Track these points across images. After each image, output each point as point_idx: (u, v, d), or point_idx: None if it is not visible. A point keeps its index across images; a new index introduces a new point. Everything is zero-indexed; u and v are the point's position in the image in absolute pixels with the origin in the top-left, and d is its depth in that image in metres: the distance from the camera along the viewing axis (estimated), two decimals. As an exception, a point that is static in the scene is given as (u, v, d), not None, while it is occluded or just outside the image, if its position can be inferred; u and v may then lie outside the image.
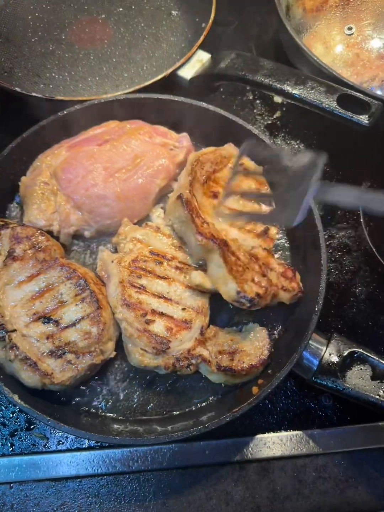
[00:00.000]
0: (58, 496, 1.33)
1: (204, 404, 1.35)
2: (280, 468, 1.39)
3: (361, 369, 1.30)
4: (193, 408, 1.34)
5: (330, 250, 1.67)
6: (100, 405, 1.33)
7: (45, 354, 1.24)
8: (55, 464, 1.35)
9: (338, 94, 1.47)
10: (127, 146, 1.51)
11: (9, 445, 1.37)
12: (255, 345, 1.32)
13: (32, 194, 1.46)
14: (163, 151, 1.54)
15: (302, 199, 1.00)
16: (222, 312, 1.42)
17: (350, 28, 1.87)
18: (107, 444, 1.37)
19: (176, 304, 1.32)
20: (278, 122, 1.92)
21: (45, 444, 1.38)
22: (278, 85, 1.52)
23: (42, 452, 1.37)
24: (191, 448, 1.38)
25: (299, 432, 1.42)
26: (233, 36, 2.13)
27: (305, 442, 1.41)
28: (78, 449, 1.37)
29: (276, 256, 1.50)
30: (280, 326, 1.44)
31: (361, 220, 1.63)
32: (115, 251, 1.45)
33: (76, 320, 1.28)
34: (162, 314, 1.30)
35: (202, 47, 1.72)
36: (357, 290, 1.62)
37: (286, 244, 1.55)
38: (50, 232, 1.44)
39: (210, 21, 1.76)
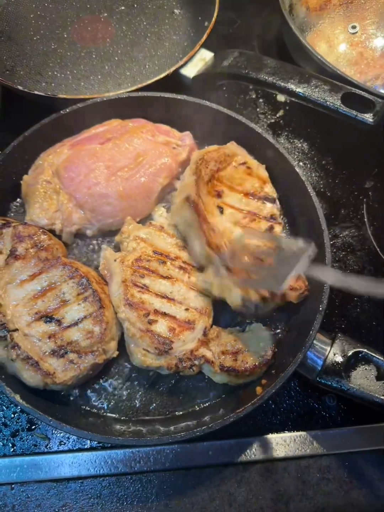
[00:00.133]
0: (60, 497, 1.32)
1: (207, 404, 1.34)
2: (283, 469, 1.38)
3: (365, 369, 1.29)
4: (196, 409, 1.33)
5: (334, 250, 1.66)
6: (102, 405, 1.32)
7: (47, 353, 1.23)
8: (56, 465, 1.34)
9: (342, 93, 1.47)
10: (129, 145, 1.51)
11: (11, 445, 1.36)
12: (258, 345, 1.31)
13: (34, 193, 1.45)
14: (166, 150, 1.53)
15: (287, 273, 1.12)
16: (225, 312, 1.41)
17: (354, 27, 1.86)
18: (109, 445, 1.36)
19: (179, 304, 1.31)
20: (281, 121, 1.91)
21: (47, 445, 1.36)
22: (282, 84, 1.51)
23: (43, 453, 1.35)
24: (194, 449, 1.37)
25: (302, 433, 1.40)
26: (236, 35, 2.12)
27: (309, 442, 1.39)
28: (80, 450, 1.36)
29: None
30: (284, 326, 1.43)
31: (365, 219, 1.62)
32: (118, 249, 1.44)
33: (78, 319, 1.27)
34: (165, 314, 1.29)
35: (205, 45, 1.71)
36: (361, 289, 1.60)
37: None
38: (52, 231, 1.44)
39: (213, 19, 1.75)
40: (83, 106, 1.54)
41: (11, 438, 1.36)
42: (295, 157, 1.83)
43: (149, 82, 1.60)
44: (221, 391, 1.35)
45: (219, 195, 1.43)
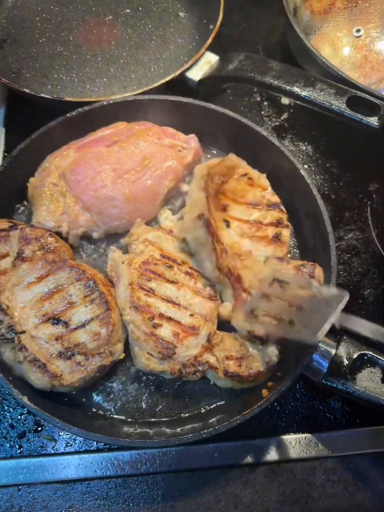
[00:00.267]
0: (66, 498, 1.33)
1: (213, 406, 1.34)
2: (289, 470, 1.38)
3: (371, 371, 1.29)
4: (202, 410, 1.34)
5: (339, 252, 1.66)
6: (108, 407, 1.33)
7: (54, 355, 1.24)
8: (63, 466, 1.35)
9: (347, 96, 1.47)
10: (135, 148, 1.51)
11: (18, 447, 1.36)
12: (263, 350, 1.30)
13: (40, 195, 1.46)
14: (172, 153, 1.54)
15: (322, 323, 1.08)
16: (230, 315, 1.41)
17: (358, 30, 1.87)
18: (115, 446, 1.37)
19: (185, 309, 1.31)
20: (285, 124, 1.92)
21: (54, 446, 1.37)
22: (287, 87, 1.52)
23: (50, 454, 1.36)
24: (199, 451, 1.37)
25: (308, 435, 1.41)
26: (240, 38, 2.13)
27: (314, 444, 1.40)
28: (87, 451, 1.37)
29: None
30: (289, 328, 1.43)
31: (370, 222, 1.63)
32: (125, 251, 1.44)
33: (85, 321, 1.27)
34: (169, 319, 1.29)
35: (209, 49, 1.72)
36: (365, 292, 1.61)
37: (295, 246, 1.55)
38: (59, 233, 1.44)
39: (218, 22, 1.76)
40: (90, 109, 1.55)
41: (18, 440, 1.37)
42: (300, 159, 1.84)
43: (156, 85, 1.61)
44: (226, 393, 1.35)
45: (224, 209, 1.44)
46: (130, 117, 1.60)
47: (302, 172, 1.47)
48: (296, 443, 1.40)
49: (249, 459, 1.38)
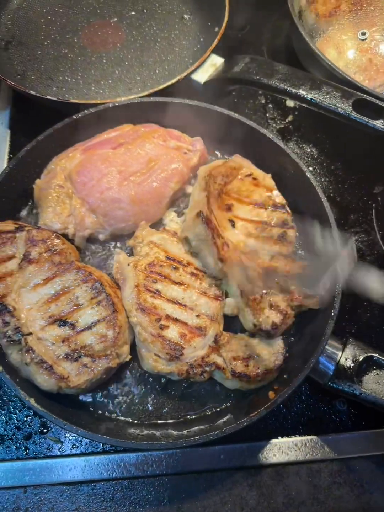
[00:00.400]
0: (73, 500, 1.33)
1: (219, 408, 1.35)
2: (295, 473, 1.38)
3: (377, 374, 1.30)
4: (208, 412, 1.34)
5: (343, 254, 1.66)
6: (115, 409, 1.33)
7: (61, 357, 1.24)
8: (69, 468, 1.35)
9: (353, 99, 1.47)
10: (141, 150, 1.52)
11: (24, 448, 1.36)
12: (269, 350, 1.31)
13: (47, 197, 1.46)
14: (177, 155, 1.54)
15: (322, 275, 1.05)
16: (236, 318, 1.41)
17: (363, 33, 1.87)
18: (121, 448, 1.37)
19: (191, 310, 1.32)
20: (290, 126, 1.92)
21: (60, 448, 1.37)
22: (293, 90, 1.52)
23: (56, 456, 1.36)
24: (205, 453, 1.37)
25: (314, 437, 1.41)
26: (245, 40, 2.13)
27: (320, 447, 1.40)
28: (93, 453, 1.37)
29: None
30: (295, 331, 1.43)
31: (374, 225, 1.63)
32: (131, 254, 1.45)
33: (92, 323, 1.27)
34: (176, 320, 1.29)
35: (214, 51, 1.72)
36: (370, 294, 1.61)
37: (300, 249, 1.55)
38: (65, 235, 1.44)
39: (224, 25, 1.76)
40: (95, 111, 1.55)
41: (24, 441, 1.37)
42: (305, 162, 1.84)
43: (161, 87, 1.61)
44: (233, 395, 1.35)
45: (229, 208, 1.44)
46: (136, 119, 1.61)
47: (308, 175, 1.47)
48: (302, 445, 1.40)
49: (255, 461, 1.38)
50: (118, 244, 1.53)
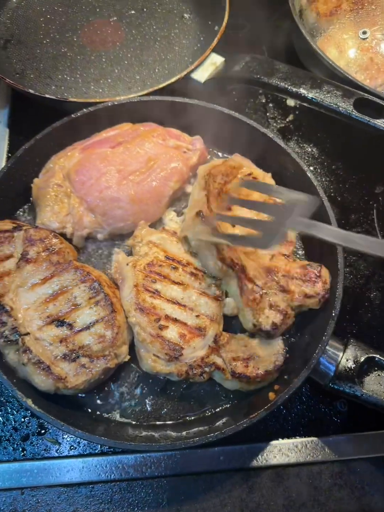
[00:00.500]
0: (70, 502, 1.31)
1: (218, 409, 1.33)
2: (295, 474, 1.37)
3: (379, 375, 1.28)
4: (208, 413, 1.33)
5: (345, 255, 1.64)
6: (113, 410, 1.32)
7: (58, 357, 1.23)
8: (67, 470, 1.33)
9: (354, 98, 1.47)
10: (140, 149, 1.51)
11: (21, 450, 1.35)
12: (269, 351, 1.30)
13: (45, 196, 1.45)
14: (177, 154, 1.53)
15: (281, 228, 1.07)
16: (236, 318, 1.39)
17: (364, 32, 1.86)
18: (120, 450, 1.36)
19: (190, 310, 1.30)
20: (291, 126, 1.91)
21: (57, 449, 1.36)
22: (294, 89, 1.52)
23: (54, 457, 1.35)
24: (205, 454, 1.36)
25: (314, 439, 1.40)
26: (245, 39, 2.12)
27: (320, 448, 1.39)
28: (91, 455, 1.36)
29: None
30: (295, 331, 1.42)
31: (376, 224, 1.62)
32: (130, 253, 1.44)
33: (90, 323, 1.26)
34: (175, 320, 1.28)
35: (214, 50, 1.72)
36: (372, 294, 1.60)
37: (301, 248, 1.54)
38: (63, 235, 1.43)
39: (224, 24, 1.76)
40: (94, 109, 1.54)
41: (22, 443, 1.36)
42: (305, 161, 1.83)
43: (160, 86, 1.61)
44: (232, 396, 1.34)
45: (229, 208, 1.43)
46: (135, 118, 1.60)
47: (309, 174, 1.46)
48: (302, 447, 1.39)
49: (255, 462, 1.37)
50: (117, 244, 1.52)
